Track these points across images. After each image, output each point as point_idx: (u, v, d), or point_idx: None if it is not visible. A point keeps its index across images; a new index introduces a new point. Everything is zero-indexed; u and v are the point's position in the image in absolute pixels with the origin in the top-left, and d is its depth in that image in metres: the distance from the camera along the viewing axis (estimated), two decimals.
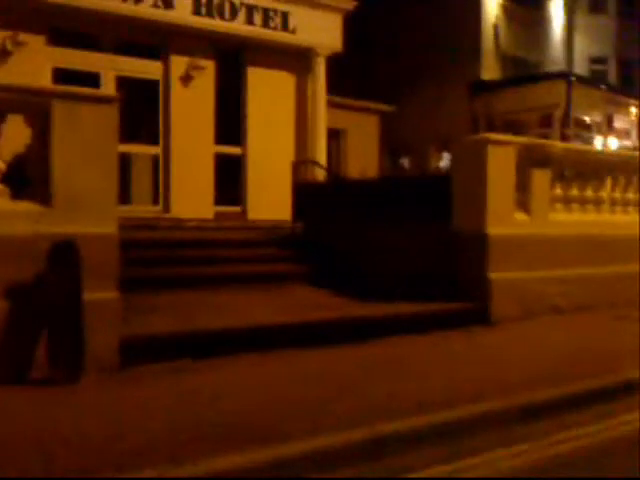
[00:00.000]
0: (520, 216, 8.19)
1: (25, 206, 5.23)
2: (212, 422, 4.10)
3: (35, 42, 11.41)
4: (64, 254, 4.97)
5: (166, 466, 3.44)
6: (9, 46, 11.17)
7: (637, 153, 11.91)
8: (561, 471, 3.87)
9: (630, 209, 9.58)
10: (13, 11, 11.06)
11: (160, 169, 12.84)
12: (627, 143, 21.85)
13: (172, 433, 3.90)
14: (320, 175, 12.52)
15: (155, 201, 12.83)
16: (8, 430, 3.91)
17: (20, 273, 4.98)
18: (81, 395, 4.70)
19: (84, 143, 5.32)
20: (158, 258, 7.90)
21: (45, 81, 11.27)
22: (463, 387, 4.95)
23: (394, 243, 8.58)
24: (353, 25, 14.63)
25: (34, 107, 5.28)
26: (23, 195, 5.32)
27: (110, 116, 5.43)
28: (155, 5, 12.05)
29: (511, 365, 5.73)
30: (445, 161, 19.13)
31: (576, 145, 15.44)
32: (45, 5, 11.16)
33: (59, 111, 5.21)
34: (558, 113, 18.92)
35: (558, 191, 8.76)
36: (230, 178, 13.45)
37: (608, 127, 21.28)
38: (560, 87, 18.77)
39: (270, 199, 12.57)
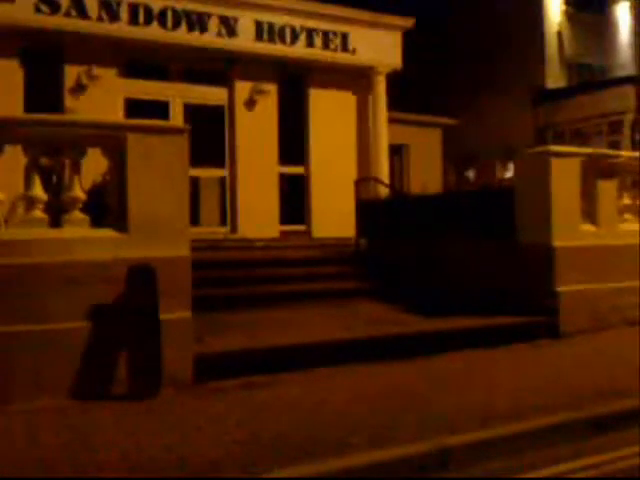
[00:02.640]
0: (587, 227, 8.09)
1: (104, 233, 5.58)
2: (283, 435, 4.27)
3: (108, 75, 12.02)
4: (141, 277, 5.27)
5: (242, 477, 3.63)
6: (84, 80, 11.81)
7: None
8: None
9: None
10: (87, 47, 11.70)
11: (227, 191, 13.24)
12: None
13: (246, 446, 4.09)
14: (383, 191, 12.64)
15: (223, 222, 13.23)
16: (95, 443, 4.19)
17: (101, 295, 5.32)
18: (159, 409, 4.96)
19: (157, 172, 5.63)
20: (227, 277, 8.19)
21: (117, 111, 11.86)
22: (530, 400, 4.97)
23: (458, 257, 8.61)
24: (413, 40, 14.75)
25: (111, 140, 5.64)
26: (102, 223, 5.68)
27: (181, 145, 5.74)
28: (219, 33, 12.51)
29: (579, 378, 5.69)
30: (511, 172, 18.90)
31: None
32: (117, 39, 11.76)
33: (133, 143, 5.55)
34: (628, 119, 18.45)
35: (626, 201, 8.61)
36: (294, 197, 13.74)
37: None
38: (629, 92, 18.31)
39: (334, 217, 12.76)
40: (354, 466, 3.87)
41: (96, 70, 11.79)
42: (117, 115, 11.69)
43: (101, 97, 11.68)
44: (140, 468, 3.78)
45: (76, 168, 5.68)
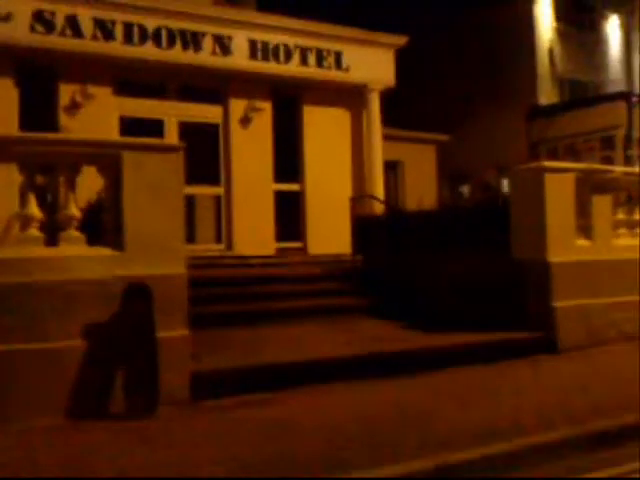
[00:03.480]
0: (582, 242, 8.11)
1: (100, 251, 5.57)
2: (283, 453, 4.24)
3: (102, 93, 12.04)
4: (137, 295, 5.25)
5: None
6: (78, 98, 11.81)
7: None
8: None
9: None
10: (82, 66, 11.73)
11: (222, 208, 13.23)
12: None
13: (245, 465, 4.06)
14: (378, 208, 12.66)
15: (218, 239, 13.20)
16: (92, 462, 4.14)
17: (97, 313, 5.29)
18: (156, 428, 4.92)
19: (152, 190, 5.63)
20: (224, 295, 8.16)
21: (112, 130, 11.86)
22: (530, 416, 4.95)
23: (455, 273, 8.60)
24: (405, 57, 14.86)
25: (106, 158, 5.65)
26: (98, 241, 5.66)
27: (176, 163, 5.75)
28: (214, 52, 12.56)
29: (578, 394, 5.67)
30: (505, 188, 18.99)
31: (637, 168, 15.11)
32: (112, 58, 11.79)
33: (129, 161, 5.56)
34: (620, 134, 18.57)
35: (621, 216, 8.63)
36: (290, 214, 13.73)
37: None
38: (621, 108, 18.46)
39: (330, 233, 12.77)
40: None
41: (91, 88, 11.81)
42: (112, 133, 11.69)
43: (96, 115, 11.69)
44: None
45: (71, 186, 5.67)
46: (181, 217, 5.79)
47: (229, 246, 13.06)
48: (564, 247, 7.81)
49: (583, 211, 8.23)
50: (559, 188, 7.83)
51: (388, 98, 14.63)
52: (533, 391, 5.83)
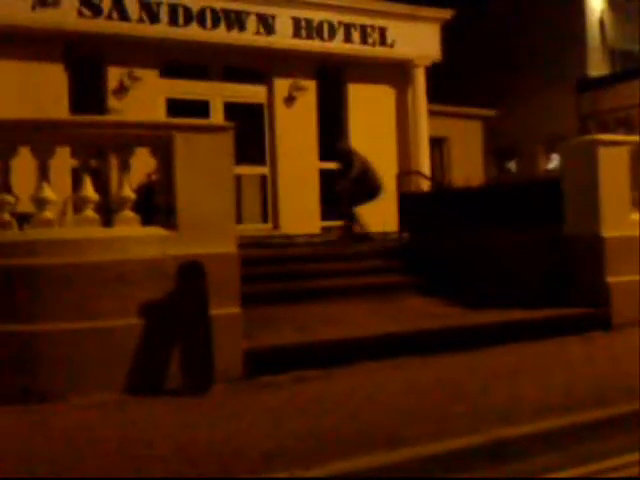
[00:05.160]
0: (637, 217, 7.92)
1: (153, 231, 5.67)
2: (336, 428, 4.29)
3: (149, 76, 12.20)
4: (191, 273, 5.34)
5: (296, 469, 3.66)
6: (126, 81, 12.00)
7: None
8: None
9: None
10: (129, 49, 11.89)
11: (268, 188, 13.32)
12: None
13: (298, 438, 4.12)
14: (424, 185, 12.56)
15: (265, 219, 13.31)
16: (151, 436, 4.27)
17: (152, 293, 5.41)
18: (211, 404, 5.03)
19: (204, 170, 5.70)
20: (271, 273, 8.22)
21: (159, 111, 12.02)
22: (582, 392, 4.90)
23: (504, 250, 8.50)
24: (452, 31, 14.62)
25: (158, 140, 5.72)
26: (151, 221, 5.77)
27: (226, 143, 5.80)
28: (257, 32, 12.58)
29: (633, 370, 5.58)
30: (554, 163, 18.62)
31: None
32: (157, 40, 11.92)
33: (180, 142, 5.62)
34: None
35: None
36: (335, 193, 13.73)
37: None
38: None
39: (376, 211, 12.73)
40: (407, 459, 3.86)
41: (138, 71, 11.97)
42: (159, 115, 11.85)
43: (143, 98, 11.86)
44: (196, 459, 3.84)
45: (125, 168, 5.78)
46: (232, 197, 5.86)
47: (275, 225, 13.17)
48: (618, 221, 7.63)
49: (637, 185, 8.02)
50: (612, 161, 7.64)
51: (434, 73, 14.43)
52: (587, 367, 5.77)
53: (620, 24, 20.31)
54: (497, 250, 8.57)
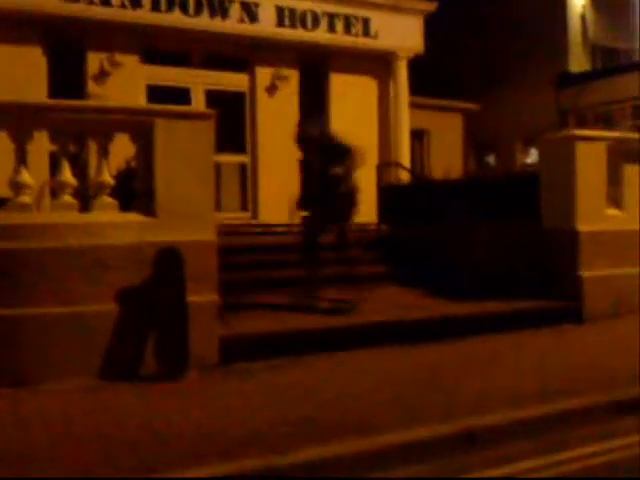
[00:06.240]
0: (612, 212, 8.04)
1: (132, 217, 5.65)
2: (309, 415, 4.34)
3: (130, 61, 12.07)
4: (168, 260, 5.34)
5: (270, 455, 3.69)
6: (107, 67, 11.87)
7: None
8: None
9: None
10: (110, 34, 11.76)
11: (248, 177, 13.29)
12: None
13: (272, 425, 4.16)
14: (404, 177, 12.60)
15: (244, 208, 13.28)
16: (124, 421, 4.28)
17: (129, 279, 5.40)
18: (186, 390, 5.05)
19: (183, 157, 5.69)
20: (249, 262, 8.24)
21: (139, 98, 11.92)
22: (553, 383, 4.99)
23: (482, 242, 8.59)
24: (434, 25, 14.64)
25: (138, 126, 5.69)
26: (130, 207, 5.75)
27: (206, 131, 5.79)
28: (241, 19, 12.51)
29: (605, 361, 5.69)
30: (532, 157, 18.77)
31: None
32: (139, 26, 11.80)
33: (161, 128, 5.61)
34: None
35: None
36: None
37: None
38: None
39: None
40: (380, 446, 3.92)
41: (119, 57, 11.85)
42: (139, 101, 11.75)
43: (123, 83, 11.75)
44: (168, 444, 3.86)
45: (104, 153, 5.75)
46: (211, 184, 5.86)
47: (254, 215, 13.14)
48: (593, 216, 7.75)
49: (614, 180, 8.14)
50: (589, 157, 7.74)
51: (416, 65, 14.46)
52: (558, 358, 5.86)
53: (602, 20, 20.48)
54: (476, 242, 8.66)
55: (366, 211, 11.33)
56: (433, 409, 4.41)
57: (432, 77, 17.92)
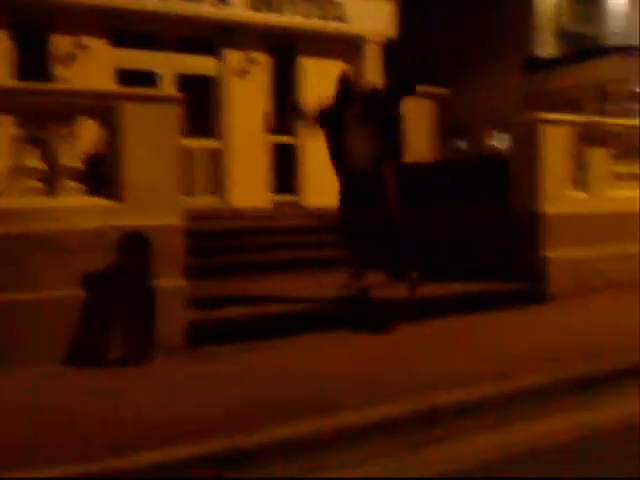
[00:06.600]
0: (577, 194, 8.20)
1: (98, 202, 5.63)
2: (276, 396, 4.41)
3: (97, 45, 11.91)
4: (135, 245, 5.34)
5: (238, 435, 3.74)
6: (73, 50, 11.71)
7: None
8: (607, 443, 3.98)
9: None
10: (77, 17, 11.59)
11: (219, 161, 13.23)
12: None
13: (242, 405, 4.21)
14: None
15: (215, 192, 13.23)
16: (89, 405, 4.30)
17: (95, 263, 5.39)
18: (154, 374, 5.08)
19: (150, 140, 5.67)
20: (220, 246, 8.27)
21: (107, 81, 11.78)
22: (512, 361, 5.12)
23: (450, 225, 8.69)
24: (405, 9, 14.65)
25: (105, 109, 5.65)
26: (97, 191, 5.72)
27: (173, 114, 5.77)
28: (211, 2, 12.40)
29: (565, 340, 5.84)
30: (501, 141, 18.93)
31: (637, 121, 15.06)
32: (107, 9, 11.64)
33: (128, 111, 5.57)
34: (618, 88, 18.44)
35: (617, 168, 8.69)
36: (286, 168, 13.74)
37: None
38: (620, 61, 18.28)
39: (327, 186, 12.76)
40: (345, 424, 3.99)
41: (86, 40, 11.69)
42: (107, 85, 11.61)
43: (91, 67, 11.59)
44: (137, 426, 3.89)
45: (70, 137, 5.69)
46: (178, 169, 5.84)
47: (226, 199, 13.10)
48: (559, 198, 7.89)
49: (580, 163, 8.29)
50: (556, 140, 7.87)
51: (390, 50, 14.47)
52: (520, 337, 6.00)
53: (571, 5, 20.66)
54: (445, 225, 8.76)
55: (335, 195, 11.40)
56: (390, 388, 4.50)
57: (404, 62, 17.95)
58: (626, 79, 18.27)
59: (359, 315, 6.50)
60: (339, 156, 7.19)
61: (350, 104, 7.26)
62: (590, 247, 7.96)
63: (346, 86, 7.50)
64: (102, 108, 5.69)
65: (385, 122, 7.24)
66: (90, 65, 11.61)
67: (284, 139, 13.76)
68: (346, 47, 14.11)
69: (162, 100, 5.89)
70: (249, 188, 12.93)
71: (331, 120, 7.21)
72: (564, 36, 20.58)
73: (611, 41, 20.86)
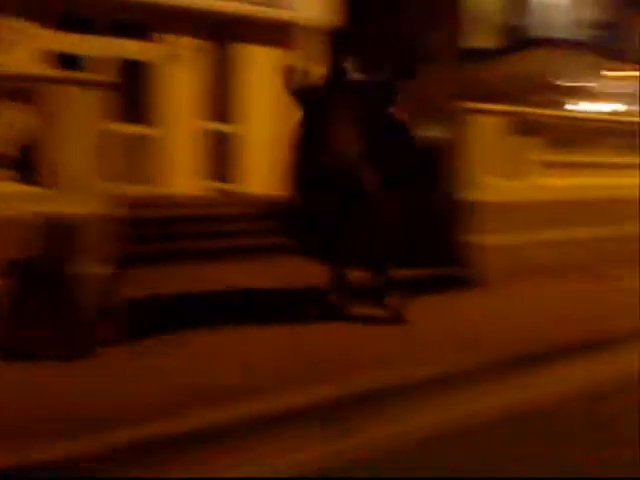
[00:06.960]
0: (507, 182, 8.41)
1: (25, 188, 5.49)
2: (205, 383, 4.49)
3: (31, 28, 11.56)
4: (58, 233, 5.22)
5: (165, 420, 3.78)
6: (6, 34, 11.33)
7: (634, 117, 12.03)
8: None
9: (627, 172, 9.71)
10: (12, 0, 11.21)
11: (158, 148, 13.03)
12: (623, 107, 21.80)
13: (167, 394, 4.25)
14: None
15: (149, 179, 13.01)
16: (28, 398, 4.23)
17: (17, 252, 5.24)
18: (85, 366, 4.97)
19: (76, 126, 5.56)
20: (156, 234, 8.16)
21: (40, 65, 11.45)
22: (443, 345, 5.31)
23: (389, 212, 8.78)
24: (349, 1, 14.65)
25: (30, 93, 5.49)
26: (22, 178, 5.57)
27: (100, 99, 5.65)
28: None
29: (489, 324, 6.05)
30: (431, 130, 19.16)
31: (567, 111, 15.55)
32: None
33: (56, 96, 5.44)
34: (548, 79, 18.93)
35: (548, 157, 8.95)
36: (223, 155, 13.62)
37: (600, 92, 21.26)
38: (550, 53, 18.76)
39: (262, 174, 12.76)
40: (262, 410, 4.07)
41: (18, 23, 11.33)
42: (38, 68, 11.29)
43: (23, 50, 11.25)
44: (71, 418, 3.86)
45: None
46: (105, 156, 5.74)
47: (160, 186, 12.90)
48: (490, 187, 8.09)
49: (510, 153, 8.50)
50: (484, 129, 8.07)
51: (329, 39, 14.46)
52: (442, 323, 6.31)
53: None
54: (384, 213, 8.84)
55: (274, 183, 11.39)
56: (323, 371, 4.60)
57: (346, 51, 17.96)
58: (551, 71, 18.76)
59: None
60: (311, 142, 6.46)
61: (342, 92, 6.62)
62: (520, 234, 8.19)
63: (340, 72, 6.96)
64: (26, 92, 5.53)
65: (386, 127, 6.69)
66: (22, 48, 11.26)
67: (224, 127, 13.65)
68: (284, 34, 14.03)
69: (90, 85, 5.76)
70: (188, 176, 12.79)
71: (315, 102, 6.49)
72: (497, 28, 20.96)
73: (540, 33, 21.33)
